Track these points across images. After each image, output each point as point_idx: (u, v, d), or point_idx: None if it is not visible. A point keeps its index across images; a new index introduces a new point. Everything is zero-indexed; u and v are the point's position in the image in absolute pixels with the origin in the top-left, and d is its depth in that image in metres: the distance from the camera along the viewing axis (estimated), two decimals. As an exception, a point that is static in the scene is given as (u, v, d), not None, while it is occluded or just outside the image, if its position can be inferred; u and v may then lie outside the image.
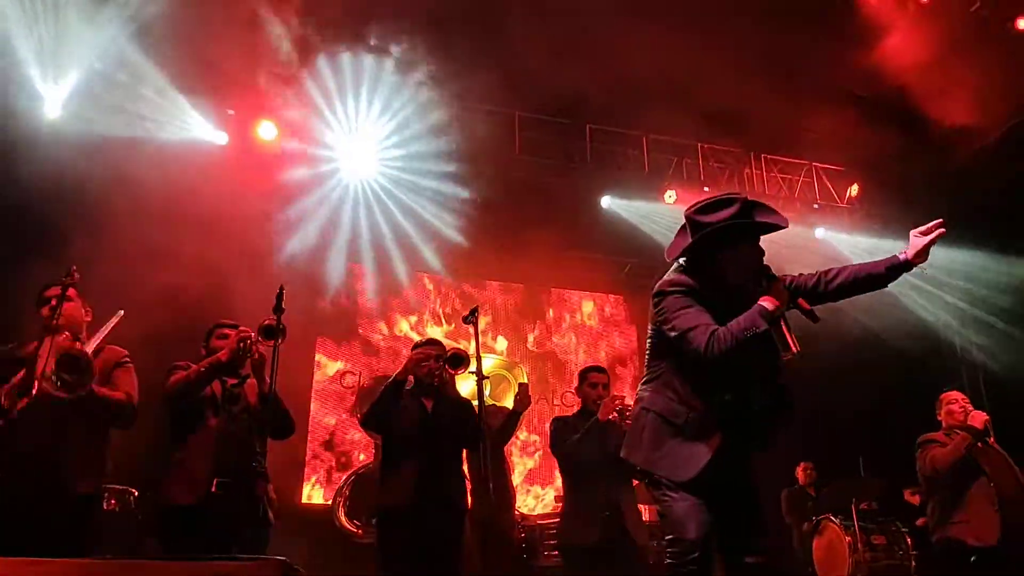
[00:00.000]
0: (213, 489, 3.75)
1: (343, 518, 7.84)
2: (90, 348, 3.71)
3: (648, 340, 3.18)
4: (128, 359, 4.01)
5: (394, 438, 4.30)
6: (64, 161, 6.80)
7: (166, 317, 5.87)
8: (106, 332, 3.89)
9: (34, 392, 3.43)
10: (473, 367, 4.31)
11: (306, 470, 8.68)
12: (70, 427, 3.62)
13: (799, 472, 8.29)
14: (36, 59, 7.19)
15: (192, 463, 3.82)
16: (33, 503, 3.45)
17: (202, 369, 3.93)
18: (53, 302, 3.72)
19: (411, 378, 4.40)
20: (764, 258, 3.08)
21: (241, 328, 4.06)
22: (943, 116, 8.54)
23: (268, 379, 3.84)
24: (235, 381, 4.07)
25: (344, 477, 8.35)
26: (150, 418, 4.05)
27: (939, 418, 5.23)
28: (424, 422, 4.32)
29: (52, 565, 1.87)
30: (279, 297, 3.99)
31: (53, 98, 7.34)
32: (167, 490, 3.84)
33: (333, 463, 8.89)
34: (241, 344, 3.96)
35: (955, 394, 5.26)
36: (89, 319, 3.98)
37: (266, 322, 4.00)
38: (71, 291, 3.82)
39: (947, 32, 7.79)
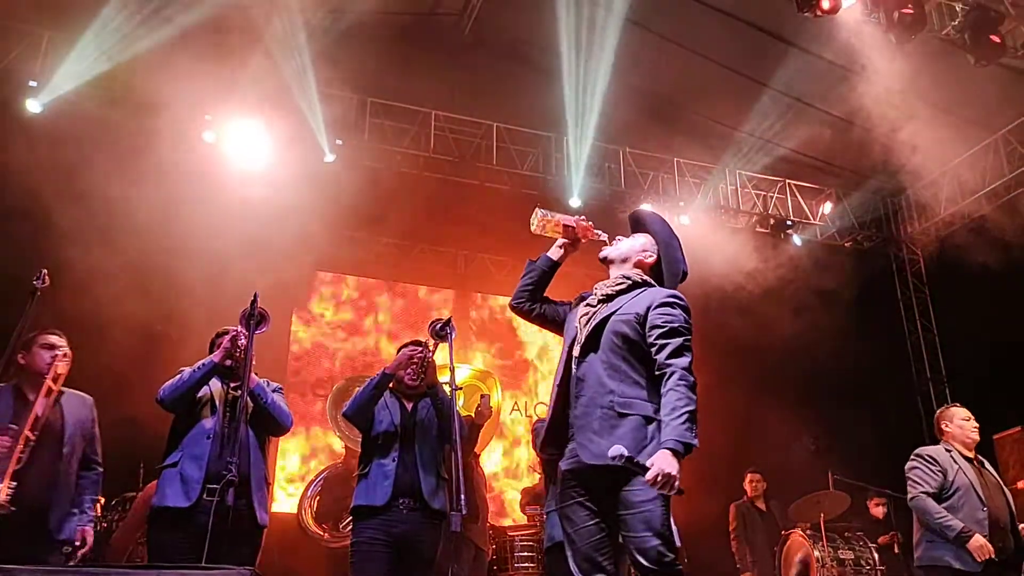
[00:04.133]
0: (206, 493, 3.72)
1: (311, 523, 7.80)
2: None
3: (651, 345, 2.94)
4: (95, 412, 4.14)
5: (373, 437, 4.29)
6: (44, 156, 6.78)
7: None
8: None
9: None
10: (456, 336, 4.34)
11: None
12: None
13: (746, 484, 7.92)
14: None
15: (187, 465, 3.80)
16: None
17: (195, 371, 3.96)
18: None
19: (398, 374, 4.39)
20: None
21: (232, 328, 4.12)
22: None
23: (247, 372, 3.86)
24: (236, 384, 4.06)
25: (309, 482, 8.31)
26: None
27: (943, 428, 5.03)
28: (404, 422, 4.32)
29: (16, 572, 1.85)
30: (253, 303, 4.01)
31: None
32: (161, 491, 3.82)
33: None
34: (233, 343, 4.00)
35: (965, 410, 5.07)
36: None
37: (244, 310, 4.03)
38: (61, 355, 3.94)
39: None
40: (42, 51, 7.57)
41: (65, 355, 3.96)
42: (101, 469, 4.12)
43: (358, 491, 4.20)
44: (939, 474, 4.82)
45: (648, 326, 2.88)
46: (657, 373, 2.81)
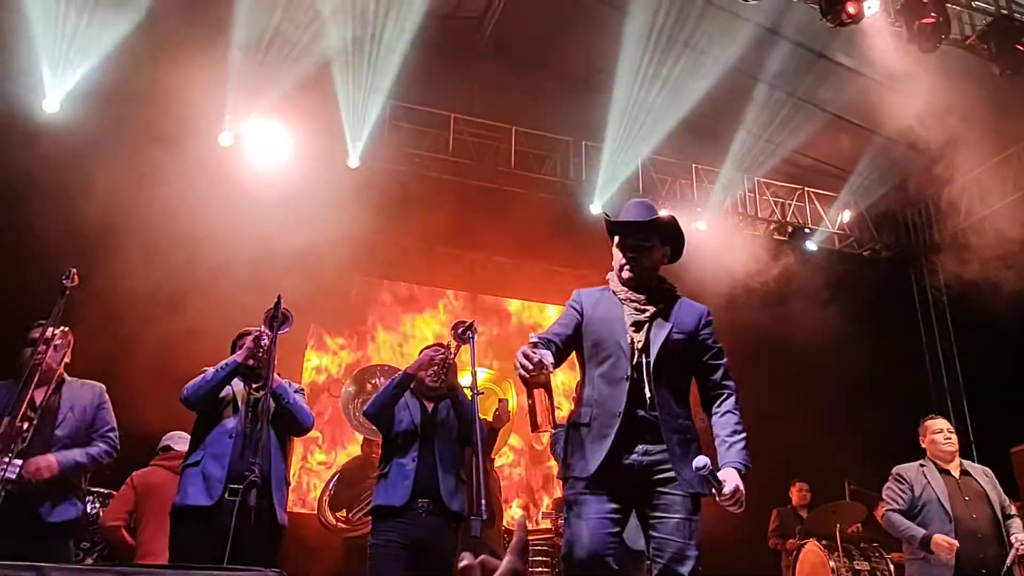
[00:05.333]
0: (228, 493, 3.75)
1: (328, 514, 7.83)
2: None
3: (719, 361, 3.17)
4: (107, 397, 4.24)
5: (393, 436, 4.31)
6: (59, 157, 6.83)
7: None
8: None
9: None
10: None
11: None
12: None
13: (793, 492, 8.09)
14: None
15: (209, 464, 3.83)
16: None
17: (218, 370, 3.99)
18: (40, 349, 3.88)
19: (419, 375, 4.42)
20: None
21: (255, 329, 4.14)
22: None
23: (272, 372, 3.90)
24: (259, 385, 4.09)
25: (327, 481, 8.34)
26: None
27: (923, 445, 5.15)
28: (425, 423, 4.34)
29: (54, 572, 1.87)
30: (276, 306, 4.05)
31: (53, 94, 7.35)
32: (183, 491, 3.84)
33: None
34: (255, 343, 4.02)
35: (940, 422, 5.17)
36: (67, 360, 4.17)
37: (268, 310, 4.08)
38: (59, 336, 4.00)
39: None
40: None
41: (53, 346, 3.98)
42: (104, 445, 4.16)
43: (378, 491, 4.22)
44: (907, 491, 4.99)
45: (701, 344, 3.06)
46: (712, 394, 3.05)
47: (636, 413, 2.88)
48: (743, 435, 2.90)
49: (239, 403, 4.03)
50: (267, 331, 4.07)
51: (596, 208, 9.37)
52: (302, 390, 4.34)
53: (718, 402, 3.00)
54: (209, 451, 3.91)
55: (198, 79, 7.62)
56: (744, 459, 2.85)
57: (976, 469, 5.14)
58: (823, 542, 6.91)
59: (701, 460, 2.66)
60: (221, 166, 7.98)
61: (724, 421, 2.95)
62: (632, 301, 3.05)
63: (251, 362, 4.10)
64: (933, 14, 7.09)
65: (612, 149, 9.27)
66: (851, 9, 6.84)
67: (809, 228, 10.38)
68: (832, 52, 8.58)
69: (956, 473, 5.00)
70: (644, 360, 2.94)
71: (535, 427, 2.73)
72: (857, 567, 6.74)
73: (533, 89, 9.15)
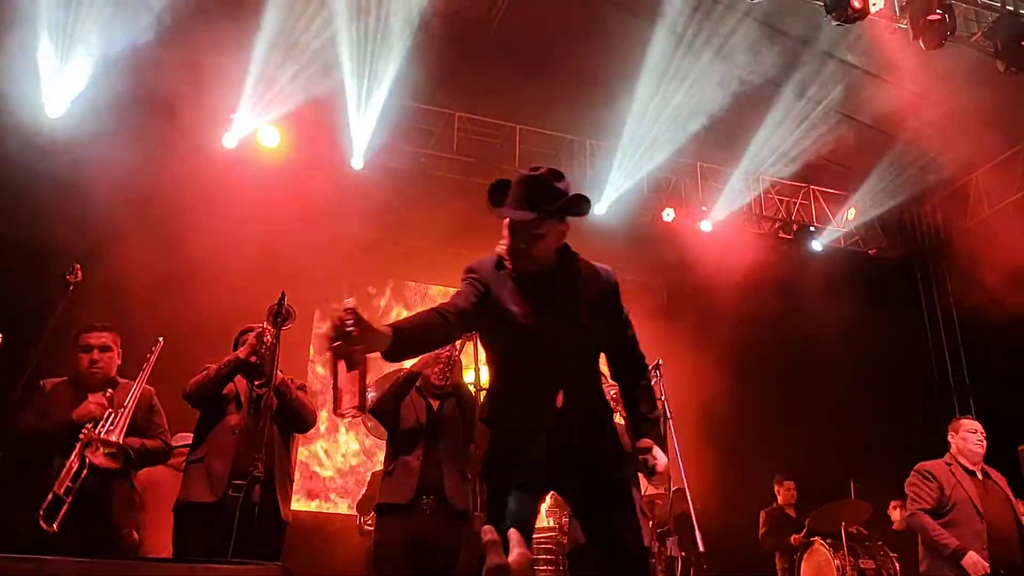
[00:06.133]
0: (232, 489, 3.75)
1: (358, 516, 7.81)
2: (130, 411, 3.96)
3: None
4: (156, 400, 4.26)
5: (399, 434, 4.31)
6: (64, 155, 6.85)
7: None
8: (146, 375, 4.12)
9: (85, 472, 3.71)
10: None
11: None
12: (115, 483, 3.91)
13: (779, 491, 7.87)
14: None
15: (212, 462, 3.84)
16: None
17: (221, 367, 4.00)
18: (95, 354, 4.03)
19: (425, 373, 4.41)
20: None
21: (258, 325, 4.16)
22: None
23: (275, 369, 3.93)
24: (261, 382, 4.09)
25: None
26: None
27: (950, 440, 5.09)
28: (430, 421, 4.34)
29: (54, 563, 1.86)
30: (280, 302, 4.05)
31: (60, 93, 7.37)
32: (186, 487, 3.85)
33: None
34: (259, 340, 4.03)
35: (976, 423, 5.11)
36: (119, 362, 4.24)
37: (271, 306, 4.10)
38: (108, 337, 4.11)
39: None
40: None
41: (105, 351, 4.08)
42: (158, 441, 4.17)
43: (383, 488, 4.23)
44: (936, 490, 4.90)
45: (611, 312, 2.79)
46: (626, 362, 2.89)
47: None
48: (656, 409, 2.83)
49: (242, 400, 4.04)
50: (270, 327, 4.07)
51: (601, 208, 9.38)
52: (304, 387, 4.34)
53: (637, 376, 2.86)
54: (213, 448, 3.92)
55: (205, 80, 7.65)
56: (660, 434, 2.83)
57: (995, 474, 5.12)
58: (828, 540, 6.89)
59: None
60: (225, 166, 7.98)
61: (646, 396, 2.84)
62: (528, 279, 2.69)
63: (253, 359, 4.10)
64: (939, 11, 7.07)
65: (624, 151, 9.27)
66: (856, 3, 6.82)
67: (814, 227, 10.34)
68: (842, 53, 8.55)
69: (980, 475, 4.99)
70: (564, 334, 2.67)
71: (335, 407, 2.29)
72: (862, 565, 6.71)
73: (538, 88, 9.13)
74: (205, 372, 4.06)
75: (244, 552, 3.31)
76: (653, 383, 5.01)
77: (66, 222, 6.30)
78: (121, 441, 3.81)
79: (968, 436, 5.02)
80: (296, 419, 4.17)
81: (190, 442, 4.18)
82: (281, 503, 3.94)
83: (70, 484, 3.63)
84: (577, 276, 2.73)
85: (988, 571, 4.55)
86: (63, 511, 3.55)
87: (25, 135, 6.85)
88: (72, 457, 3.71)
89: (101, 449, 3.75)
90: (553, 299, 2.66)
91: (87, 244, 5.91)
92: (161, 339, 4.22)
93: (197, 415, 4.13)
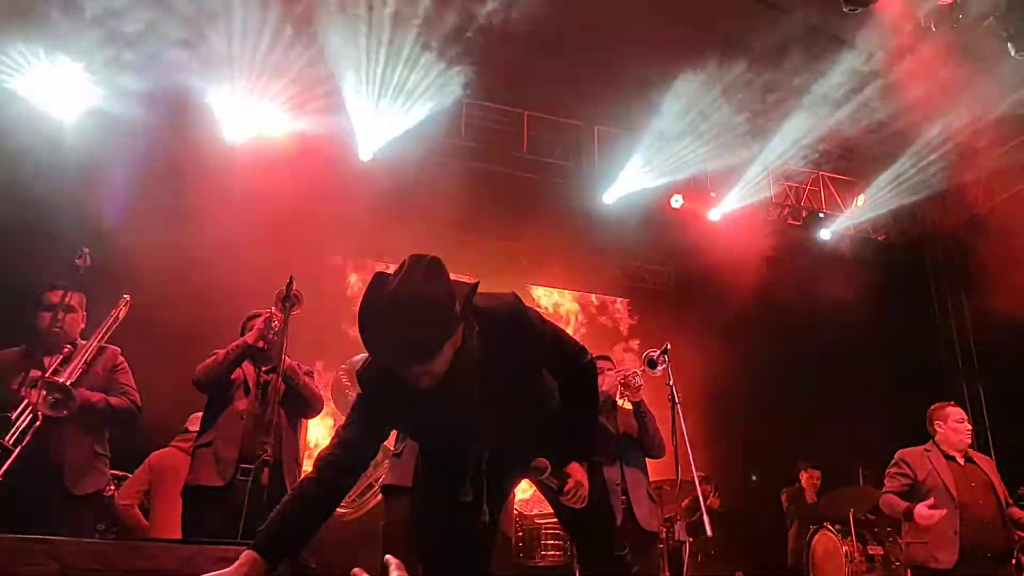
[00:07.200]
0: (240, 473, 3.77)
1: None
2: (83, 358, 3.86)
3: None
4: (122, 359, 4.16)
5: None
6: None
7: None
8: (106, 329, 4.03)
9: (38, 424, 3.59)
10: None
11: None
12: (70, 439, 3.78)
13: (803, 477, 8.12)
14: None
15: (221, 446, 3.86)
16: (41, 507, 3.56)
17: (229, 353, 4.01)
18: (59, 313, 3.88)
19: None
20: None
21: (265, 311, 4.17)
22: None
23: (282, 354, 3.92)
24: (269, 367, 4.11)
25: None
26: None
27: (936, 427, 5.17)
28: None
29: (61, 545, 1.87)
30: (288, 287, 4.07)
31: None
32: (195, 471, 3.86)
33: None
34: (266, 325, 4.05)
35: (960, 411, 5.21)
36: (83, 326, 4.13)
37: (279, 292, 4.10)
38: (73, 297, 3.96)
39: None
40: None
41: (69, 312, 3.96)
42: (128, 400, 4.05)
43: (391, 470, 4.21)
44: (908, 476, 5.05)
45: (527, 357, 2.60)
46: (563, 385, 2.79)
47: None
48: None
49: (249, 385, 4.06)
50: (278, 313, 4.08)
51: (610, 198, 9.36)
52: (311, 372, 4.36)
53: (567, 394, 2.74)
54: (221, 432, 3.95)
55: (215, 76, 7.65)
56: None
57: (980, 458, 5.19)
58: (836, 526, 6.90)
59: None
60: (237, 158, 7.98)
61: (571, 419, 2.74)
62: None
63: (261, 344, 4.11)
64: (951, -6, 7.00)
65: (650, 149, 9.25)
66: (867, -12, 6.75)
67: (824, 213, 10.29)
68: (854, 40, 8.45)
69: (961, 460, 5.06)
70: None
71: None
72: (871, 551, 6.72)
73: (546, 73, 9.07)
74: (213, 357, 4.09)
75: (253, 535, 3.31)
76: (661, 368, 5.03)
77: (71, 208, 6.33)
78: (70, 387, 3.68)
79: (957, 427, 5.11)
80: (303, 404, 4.19)
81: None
82: (290, 487, 3.95)
83: (19, 434, 3.52)
84: (480, 355, 2.38)
85: (933, 519, 4.67)
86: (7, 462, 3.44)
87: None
88: (20, 407, 3.59)
89: (44, 392, 3.61)
90: (455, 388, 2.34)
91: (93, 229, 5.92)
92: (128, 296, 4.15)
93: (205, 400, 4.15)
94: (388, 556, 1.54)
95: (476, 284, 2.32)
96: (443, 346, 2.18)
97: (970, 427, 5.16)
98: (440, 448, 2.67)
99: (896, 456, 5.22)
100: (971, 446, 5.22)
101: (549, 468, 2.54)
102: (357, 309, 2.14)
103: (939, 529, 4.75)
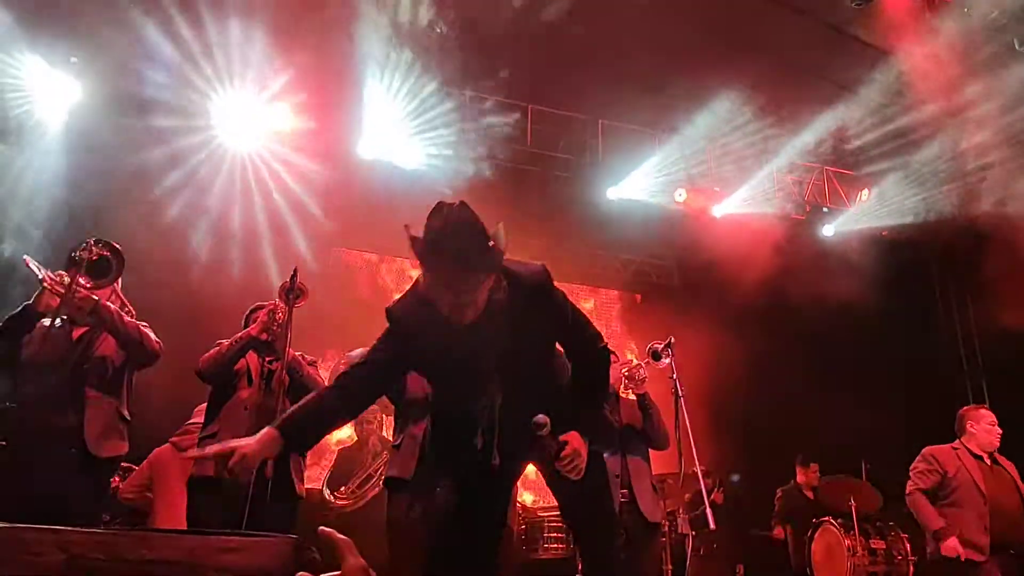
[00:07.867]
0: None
1: (327, 493, 7.90)
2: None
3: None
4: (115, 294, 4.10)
5: (404, 406, 4.30)
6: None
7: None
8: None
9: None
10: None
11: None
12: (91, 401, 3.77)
13: (800, 472, 7.99)
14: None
15: (225, 436, 3.84)
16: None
17: (233, 344, 4.02)
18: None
19: None
20: None
21: (269, 302, 4.17)
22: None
23: (286, 345, 3.94)
24: (272, 358, 4.11)
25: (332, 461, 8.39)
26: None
27: (969, 427, 5.27)
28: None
29: (72, 534, 1.88)
30: (292, 279, 4.07)
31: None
32: (199, 461, 3.88)
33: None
34: (270, 317, 4.05)
35: (992, 415, 5.34)
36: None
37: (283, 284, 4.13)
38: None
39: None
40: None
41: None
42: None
43: (391, 462, 4.21)
44: (937, 473, 5.15)
45: (547, 327, 2.78)
46: (578, 364, 2.87)
47: None
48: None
49: (253, 375, 4.06)
50: (282, 305, 4.09)
51: (614, 193, 9.34)
52: (315, 363, 4.36)
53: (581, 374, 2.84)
54: (225, 423, 3.95)
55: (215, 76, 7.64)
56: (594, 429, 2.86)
57: (1005, 461, 5.33)
58: (839, 521, 6.89)
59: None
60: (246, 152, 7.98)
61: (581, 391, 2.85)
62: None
63: (265, 336, 4.12)
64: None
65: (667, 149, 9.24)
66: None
67: (827, 208, 10.27)
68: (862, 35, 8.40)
69: (988, 461, 5.20)
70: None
71: None
72: (873, 545, 6.72)
73: (551, 66, 9.03)
74: (217, 349, 4.09)
75: (258, 526, 3.33)
76: (665, 361, 5.05)
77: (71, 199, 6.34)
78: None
79: (989, 428, 5.23)
80: (307, 395, 4.18)
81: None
82: (295, 478, 3.96)
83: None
84: (505, 310, 2.56)
85: (962, 557, 4.84)
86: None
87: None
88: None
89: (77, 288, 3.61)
90: (480, 334, 2.52)
91: (96, 221, 5.93)
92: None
93: (209, 391, 4.15)
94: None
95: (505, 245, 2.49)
96: (491, 268, 2.45)
97: (1000, 431, 5.26)
98: (455, 395, 2.78)
99: (924, 452, 5.30)
100: None
101: (548, 425, 2.52)
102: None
103: (969, 525, 4.92)
